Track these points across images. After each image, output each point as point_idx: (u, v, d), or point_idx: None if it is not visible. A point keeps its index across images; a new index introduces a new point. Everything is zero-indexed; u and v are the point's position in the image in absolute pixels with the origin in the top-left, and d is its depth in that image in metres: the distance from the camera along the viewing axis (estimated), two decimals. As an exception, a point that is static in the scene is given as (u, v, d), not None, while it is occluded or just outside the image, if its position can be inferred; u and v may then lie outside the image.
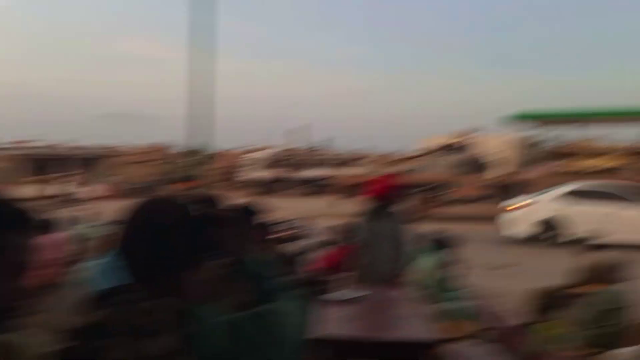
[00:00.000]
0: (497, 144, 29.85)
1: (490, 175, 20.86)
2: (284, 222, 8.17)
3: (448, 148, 22.74)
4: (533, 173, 20.25)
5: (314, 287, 4.38)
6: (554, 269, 7.87)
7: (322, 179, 29.10)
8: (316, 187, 29.40)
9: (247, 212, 2.86)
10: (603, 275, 4.48)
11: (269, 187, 29.31)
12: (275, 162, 30.24)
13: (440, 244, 5.54)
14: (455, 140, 24.40)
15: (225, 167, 32.75)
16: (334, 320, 3.37)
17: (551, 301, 5.31)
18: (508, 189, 18.39)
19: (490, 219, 17.97)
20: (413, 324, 3.37)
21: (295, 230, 8.17)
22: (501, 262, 10.31)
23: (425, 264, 5.38)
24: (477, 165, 20.65)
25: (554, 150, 24.28)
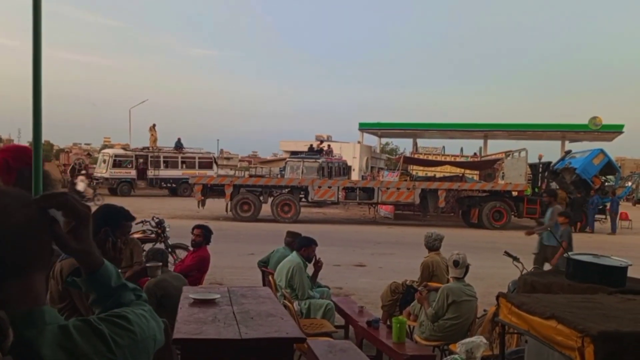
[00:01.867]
0: (350, 150, 31.60)
1: (347, 179, 21.81)
2: (141, 222, 7.69)
3: (307, 152, 23.35)
4: (386, 178, 21.62)
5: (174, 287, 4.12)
6: (406, 266, 8.41)
7: (178, 179, 28.49)
8: (171, 187, 28.71)
9: (104, 212, 2.59)
10: (450, 270, 4.82)
11: (121, 185, 27.93)
12: (126, 160, 28.72)
13: (300, 243, 5.55)
14: (313, 145, 25.13)
15: (69, 164, 30.34)
16: (193, 321, 3.21)
17: (405, 296, 5.61)
18: (365, 192, 19.33)
19: (352, 219, 18.50)
20: (276, 321, 3.29)
21: (154, 231, 7.71)
22: (363, 259, 10.73)
23: (288, 263, 5.34)
24: (334, 170, 21.46)
25: (398, 158, 26.41)
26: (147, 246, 7.10)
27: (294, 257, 5.43)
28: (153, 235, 7.76)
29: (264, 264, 6.56)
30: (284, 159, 26.09)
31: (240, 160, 53.10)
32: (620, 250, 12.89)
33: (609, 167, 20.93)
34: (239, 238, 13.37)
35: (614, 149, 25.53)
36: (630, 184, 24.64)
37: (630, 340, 2.25)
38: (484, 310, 4.78)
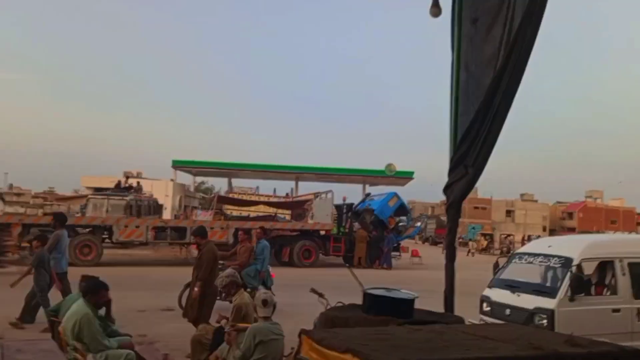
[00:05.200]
0: (161, 188, 30.43)
1: (157, 218, 20.79)
2: None
3: (113, 189, 21.82)
4: (200, 217, 21.14)
5: None
6: (218, 306, 8.18)
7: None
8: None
9: None
10: (258, 309, 4.81)
11: None
12: None
13: (87, 289, 4.96)
14: (122, 182, 23.64)
15: None
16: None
17: (215, 338, 5.41)
18: (177, 232, 18.64)
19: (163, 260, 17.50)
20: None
21: None
22: (172, 303, 10.15)
23: (73, 315, 4.74)
24: (143, 208, 20.31)
25: (213, 197, 26.27)
26: None
27: (80, 306, 4.77)
28: None
29: (53, 313, 5.81)
30: (85, 196, 23.95)
31: (33, 197, 47.40)
32: (413, 283, 14.30)
33: (402, 209, 23.42)
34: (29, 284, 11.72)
35: (406, 193, 28.71)
36: (419, 224, 27.79)
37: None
38: (292, 348, 4.84)
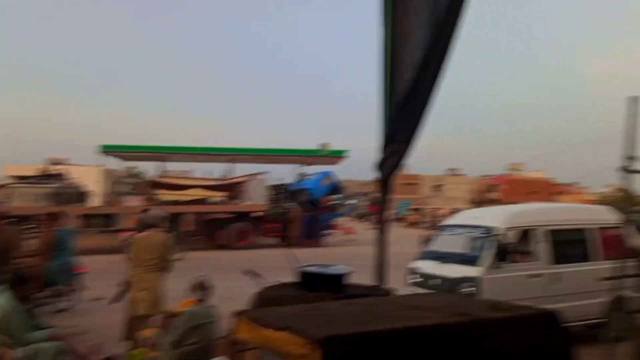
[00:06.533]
0: (90, 174, 29.11)
1: (87, 205, 19.92)
2: None
3: (39, 177, 20.65)
4: (129, 204, 20.45)
5: None
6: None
7: None
8: None
9: None
10: (192, 293, 4.75)
11: None
12: None
13: (13, 282, 4.72)
14: (46, 169, 22.42)
15: None
16: None
17: (140, 326, 5.31)
18: (108, 219, 18.00)
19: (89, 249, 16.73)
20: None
21: None
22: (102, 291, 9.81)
23: (0, 305, 4.52)
24: (71, 196, 19.38)
25: (144, 182, 25.44)
26: None
27: (4, 300, 4.57)
28: None
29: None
30: (8, 184, 22.50)
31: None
32: (348, 259, 14.55)
33: (336, 188, 23.73)
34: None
35: (340, 171, 29.00)
36: (353, 201, 28.30)
37: (351, 341, 2.51)
38: (227, 330, 4.83)
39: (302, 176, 24.72)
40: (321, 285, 3.67)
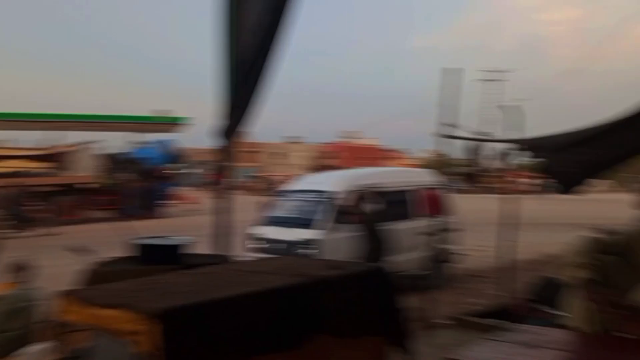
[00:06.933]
0: None
1: None
2: None
3: None
4: None
5: None
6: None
7: None
8: None
9: None
10: (9, 276, 4.26)
11: None
12: None
13: None
14: None
15: None
16: None
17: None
18: None
19: None
20: None
21: None
22: None
23: None
24: None
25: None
26: None
27: None
28: None
29: None
30: None
31: None
32: (189, 229, 14.25)
33: (175, 156, 22.87)
34: None
35: (180, 139, 27.91)
36: (194, 170, 27.56)
37: (192, 311, 2.44)
38: (54, 314, 4.43)
39: (139, 145, 23.34)
40: (158, 258, 3.52)
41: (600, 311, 2.11)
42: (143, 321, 2.32)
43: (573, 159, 5.54)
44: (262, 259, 4.23)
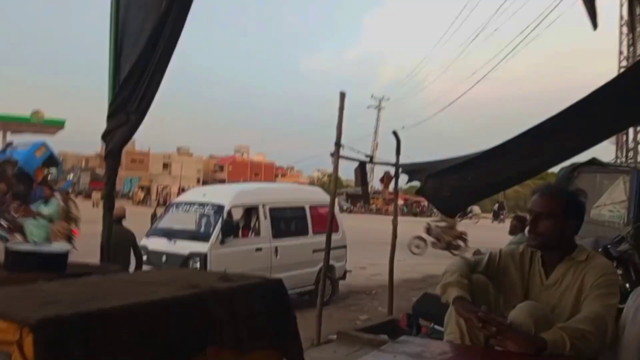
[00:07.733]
0: None
1: None
2: None
3: None
4: None
5: None
6: None
7: None
8: None
9: None
10: None
11: None
12: None
13: None
14: None
15: None
16: None
17: None
18: None
19: None
20: None
21: None
22: None
23: None
24: None
25: None
26: None
27: None
28: None
29: None
30: None
31: None
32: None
33: (52, 160, 21.23)
34: None
35: (57, 143, 26.01)
36: (71, 176, 25.74)
37: (70, 323, 2.28)
38: None
39: (10, 146, 21.38)
40: (35, 265, 3.24)
41: (469, 327, 2.31)
42: (16, 330, 2.15)
43: (447, 184, 5.98)
44: (153, 271, 4.07)
